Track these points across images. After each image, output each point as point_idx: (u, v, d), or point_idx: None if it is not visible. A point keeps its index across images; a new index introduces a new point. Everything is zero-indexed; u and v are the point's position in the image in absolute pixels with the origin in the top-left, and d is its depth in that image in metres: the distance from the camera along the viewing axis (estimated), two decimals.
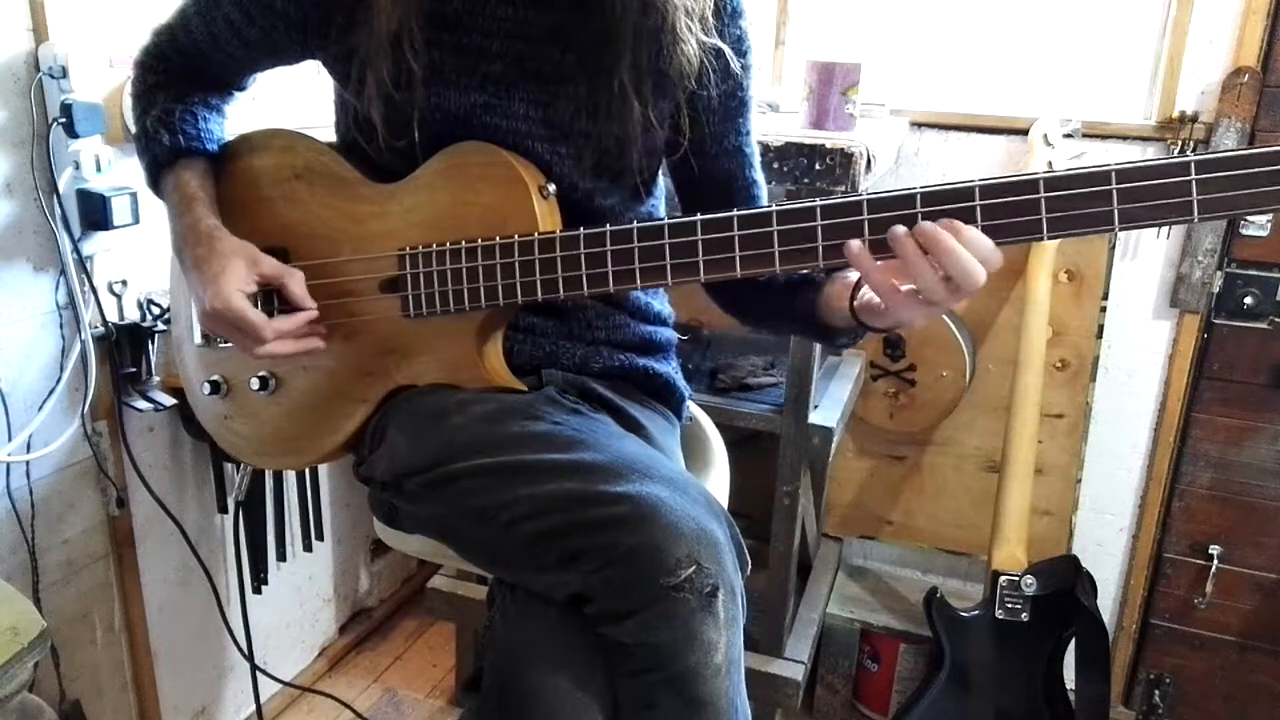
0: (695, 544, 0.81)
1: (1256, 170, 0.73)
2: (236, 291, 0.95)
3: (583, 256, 0.92)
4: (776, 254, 0.86)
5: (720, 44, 1.02)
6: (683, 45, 0.98)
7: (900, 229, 0.82)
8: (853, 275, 0.95)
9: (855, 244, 0.84)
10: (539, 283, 0.93)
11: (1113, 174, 0.77)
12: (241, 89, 1.15)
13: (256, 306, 0.97)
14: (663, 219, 0.90)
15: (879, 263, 0.84)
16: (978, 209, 0.80)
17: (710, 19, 1.01)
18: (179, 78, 1.09)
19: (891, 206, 0.82)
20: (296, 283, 1.00)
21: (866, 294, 0.93)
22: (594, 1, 0.95)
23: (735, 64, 1.04)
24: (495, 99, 0.98)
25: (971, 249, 0.81)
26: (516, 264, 0.94)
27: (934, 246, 0.81)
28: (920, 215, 0.81)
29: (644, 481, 0.83)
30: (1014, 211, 0.79)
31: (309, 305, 1.00)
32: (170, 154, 1.06)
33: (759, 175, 1.12)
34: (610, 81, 0.97)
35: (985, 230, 0.80)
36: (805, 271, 1.03)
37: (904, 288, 0.86)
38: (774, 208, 0.86)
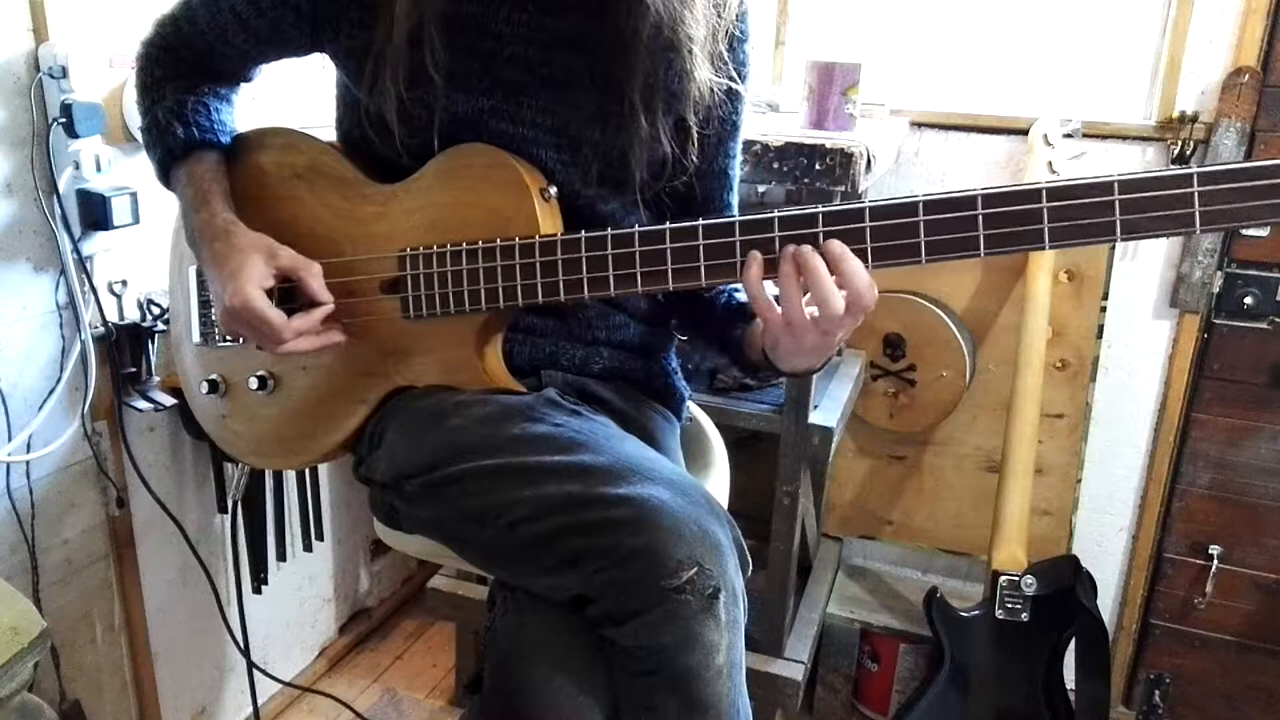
0: (697, 546, 0.81)
1: (1259, 183, 0.73)
2: (255, 289, 0.94)
3: (584, 260, 0.92)
4: (777, 258, 0.86)
5: (729, 69, 1.02)
6: (694, 65, 0.98)
7: (788, 249, 0.84)
8: None
9: (754, 254, 0.85)
10: (539, 285, 0.93)
11: (1115, 184, 0.77)
12: (247, 80, 1.14)
13: (274, 301, 0.96)
14: (664, 224, 0.90)
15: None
16: (980, 218, 0.80)
17: (722, 44, 1.01)
18: (186, 69, 1.08)
19: (895, 214, 0.82)
20: (314, 276, 0.98)
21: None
22: (610, 12, 0.95)
23: (736, 89, 1.04)
24: (504, 104, 0.98)
25: (844, 280, 0.82)
26: (517, 266, 0.94)
27: (803, 268, 0.83)
28: (923, 224, 0.81)
29: (645, 484, 0.83)
30: (1016, 221, 0.79)
31: (326, 299, 0.99)
32: (184, 147, 1.05)
33: (735, 200, 1.14)
34: (620, 93, 0.97)
35: (987, 240, 0.80)
36: (744, 301, 1.05)
37: (779, 308, 0.87)
38: (776, 213, 0.85)
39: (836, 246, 0.82)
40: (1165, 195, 0.75)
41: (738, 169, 1.13)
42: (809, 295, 0.84)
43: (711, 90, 1.01)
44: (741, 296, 1.06)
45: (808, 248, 0.83)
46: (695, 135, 1.03)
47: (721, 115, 1.05)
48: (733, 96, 1.05)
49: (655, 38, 0.95)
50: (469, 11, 0.97)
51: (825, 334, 0.85)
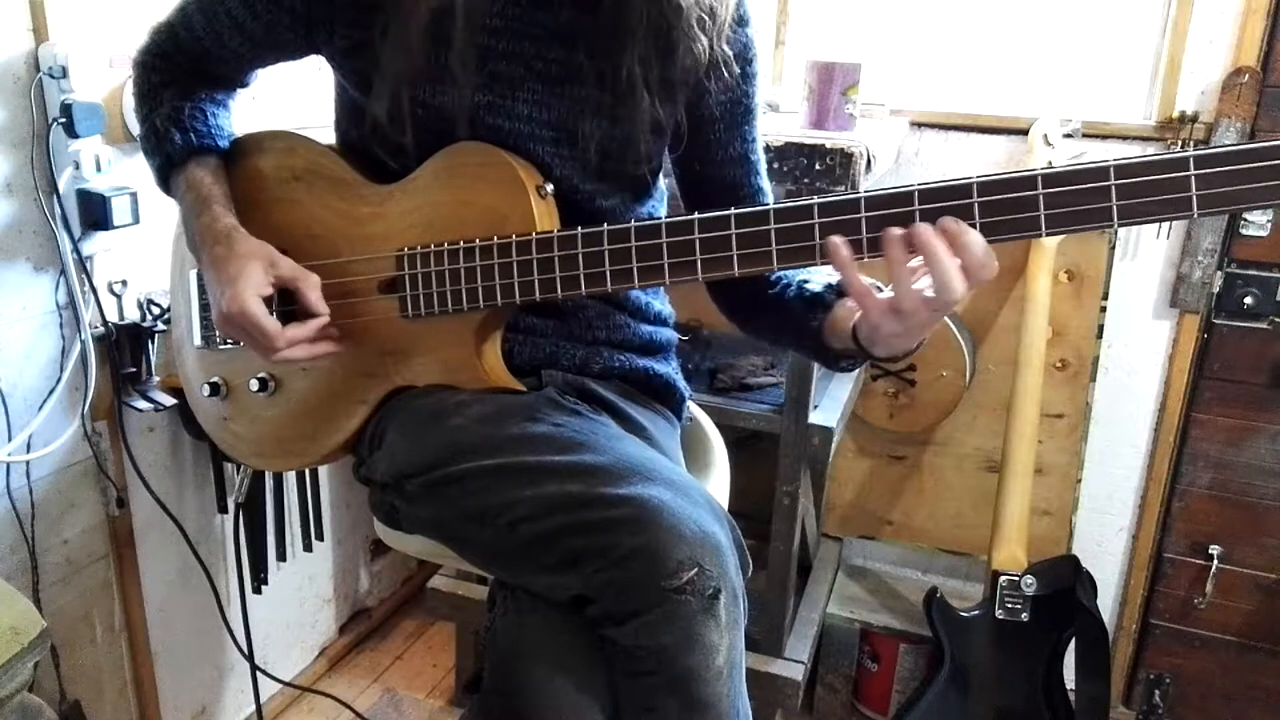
0: (697, 546, 0.81)
1: (1256, 165, 0.73)
2: (253, 296, 0.94)
3: (580, 256, 0.91)
4: (774, 252, 0.85)
5: (727, 52, 1.01)
6: (690, 53, 0.98)
7: (896, 231, 0.80)
8: None
9: (836, 239, 0.82)
10: (536, 283, 0.93)
11: (1111, 169, 0.76)
12: (244, 85, 1.15)
13: (274, 308, 0.97)
14: (660, 218, 0.90)
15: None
16: (975, 206, 0.79)
17: (721, 24, 1.00)
18: (182, 75, 1.08)
19: (889, 204, 0.82)
20: (312, 288, 0.98)
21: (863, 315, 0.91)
22: (604, 3, 0.95)
23: (740, 72, 1.04)
24: (499, 99, 0.98)
25: (965, 255, 0.79)
26: (514, 264, 0.94)
27: (924, 249, 0.80)
28: (918, 213, 0.81)
29: (645, 484, 0.83)
30: (1012, 208, 0.79)
31: (322, 311, 0.99)
32: (183, 153, 1.05)
33: (765, 183, 1.12)
34: (617, 84, 0.97)
35: (983, 227, 0.79)
36: (819, 290, 1.02)
37: (881, 294, 0.85)
38: (771, 206, 0.85)
39: (952, 222, 0.79)
40: (1162, 179, 0.75)
41: (761, 153, 1.11)
42: (926, 278, 0.81)
43: (710, 74, 1.01)
44: (813, 286, 1.03)
45: (926, 226, 0.79)
46: (693, 122, 1.03)
47: (731, 98, 1.04)
48: (740, 79, 1.04)
49: (650, 23, 0.95)
50: (463, 8, 0.97)
51: (935, 311, 0.83)
